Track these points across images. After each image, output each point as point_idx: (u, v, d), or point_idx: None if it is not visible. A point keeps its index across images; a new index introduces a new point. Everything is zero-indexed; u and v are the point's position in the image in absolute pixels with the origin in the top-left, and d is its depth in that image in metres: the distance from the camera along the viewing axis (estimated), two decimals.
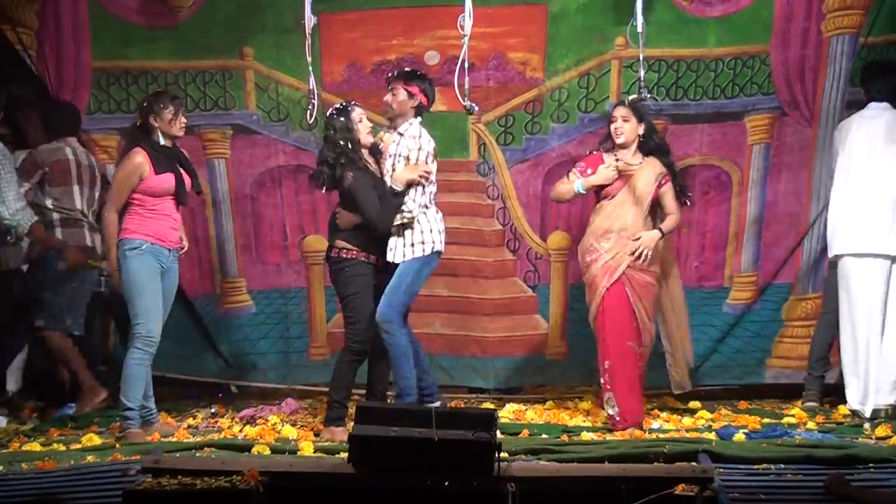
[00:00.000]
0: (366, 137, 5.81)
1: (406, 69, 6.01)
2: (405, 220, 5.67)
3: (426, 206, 5.75)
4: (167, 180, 5.59)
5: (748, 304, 6.91)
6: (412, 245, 5.70)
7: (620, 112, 5.82)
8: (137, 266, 5.52)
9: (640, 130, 5.81)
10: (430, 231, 5.74)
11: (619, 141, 5.80)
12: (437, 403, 5.80)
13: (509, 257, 7.03)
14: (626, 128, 5.78)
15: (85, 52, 6.85)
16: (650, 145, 5.85)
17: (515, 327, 7.03)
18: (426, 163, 5.72)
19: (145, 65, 6.90)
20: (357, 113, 5.77)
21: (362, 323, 5.64)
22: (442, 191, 6.59)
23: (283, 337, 7.14)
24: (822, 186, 6.65)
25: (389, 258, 5.69)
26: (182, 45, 6.86)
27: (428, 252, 5.72)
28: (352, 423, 4.87)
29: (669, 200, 5.83)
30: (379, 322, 5.60)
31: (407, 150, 5.71)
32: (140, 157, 5.54)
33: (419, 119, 5.80)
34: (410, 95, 5.77)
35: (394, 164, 5.73)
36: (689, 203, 6.01)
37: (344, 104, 5.83)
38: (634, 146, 5.83)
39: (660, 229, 5.77)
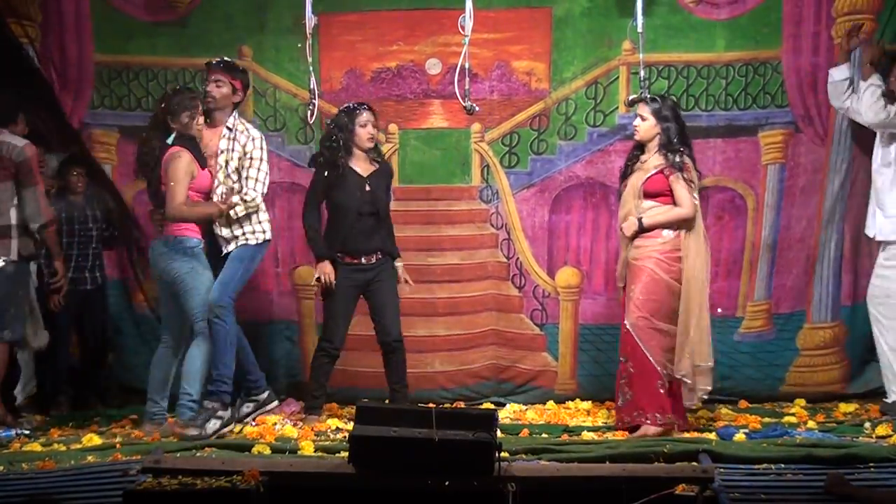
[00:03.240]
0: (365, 143, 5.95)
1: (227, 59, 6.00)
2: (249, 211, 5.76)
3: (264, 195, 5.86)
4: (207, 176, 5.71)
5: (760, 332, 6.68)
6: (252, 233, 5.80)
7: (641, 109, 5.69)
8: (200, 265, 5.66)
9: (658, 130, 5.63)
10: (265, 221, 5.86)
11: (635, 137, 5.72)
12: (265, 394, 5.97)
13: (514, 293, 6.75)
14: (642, 126, 5.64)
15: (87, 46, 6.78)
16: (663, 143, 5.66)
17: (521, 360, 6.75)
18: (261, 152, 5.81)
19: (145, 60, 6.81)
20: (364, 118, 5.92)
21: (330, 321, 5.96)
22: (442, 223, 6.62)
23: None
24: (834, 210, 6.53)
25: (228, 248, 5.80)
26: (182, 42, 6.77)
27: (261, 241, 5.84)
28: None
29: (675, 193, 5.59)
30: (212, 307, 5.62)
31: (241, 145, 5.78)
32: (187, 155, 5.58)
33: (236, 112, 5.88)
34: (234, 90, 5.87)
35: (227, 160, 5.80)
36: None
37: (355, 105, 6.00)
38: (654, 145, 5.66)
39: (639, 219, 5.61)
